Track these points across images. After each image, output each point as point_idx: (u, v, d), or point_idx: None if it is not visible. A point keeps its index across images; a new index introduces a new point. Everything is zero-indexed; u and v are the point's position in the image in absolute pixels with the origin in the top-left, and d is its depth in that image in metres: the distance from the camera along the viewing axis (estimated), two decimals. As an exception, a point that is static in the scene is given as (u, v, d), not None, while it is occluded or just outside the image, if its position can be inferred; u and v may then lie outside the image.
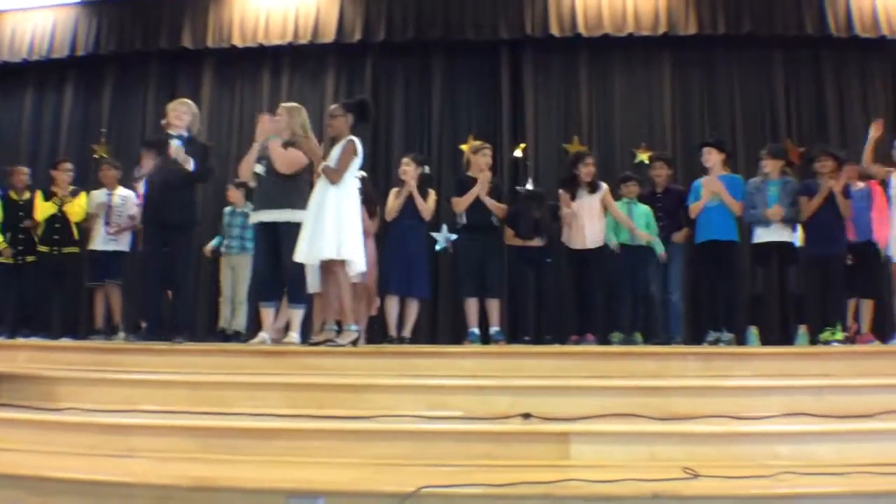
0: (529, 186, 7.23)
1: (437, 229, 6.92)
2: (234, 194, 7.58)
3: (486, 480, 3.20)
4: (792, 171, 6.80)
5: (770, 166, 6.35)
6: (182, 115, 6.06)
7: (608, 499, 3.13)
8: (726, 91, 9.29)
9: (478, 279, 6.48)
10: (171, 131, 6.04)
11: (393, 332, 6.47)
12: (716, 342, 5.99)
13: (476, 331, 6.45)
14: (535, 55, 9.19)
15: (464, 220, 6.66)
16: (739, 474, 3.33)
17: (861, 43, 9.17)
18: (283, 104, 6.05)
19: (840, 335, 5.90)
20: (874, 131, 6.28)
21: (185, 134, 6.05)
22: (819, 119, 9.35)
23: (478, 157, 6.72)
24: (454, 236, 6.83)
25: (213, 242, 7.77)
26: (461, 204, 6.59)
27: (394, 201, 6.51)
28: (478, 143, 7.17)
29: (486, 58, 9.22)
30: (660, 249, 6.62)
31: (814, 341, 5.93)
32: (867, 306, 6.42)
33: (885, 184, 6.28)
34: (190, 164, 5.88)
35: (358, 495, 3.18)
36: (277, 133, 5.69)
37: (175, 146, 5.85)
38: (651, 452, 3.65)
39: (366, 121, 5.67)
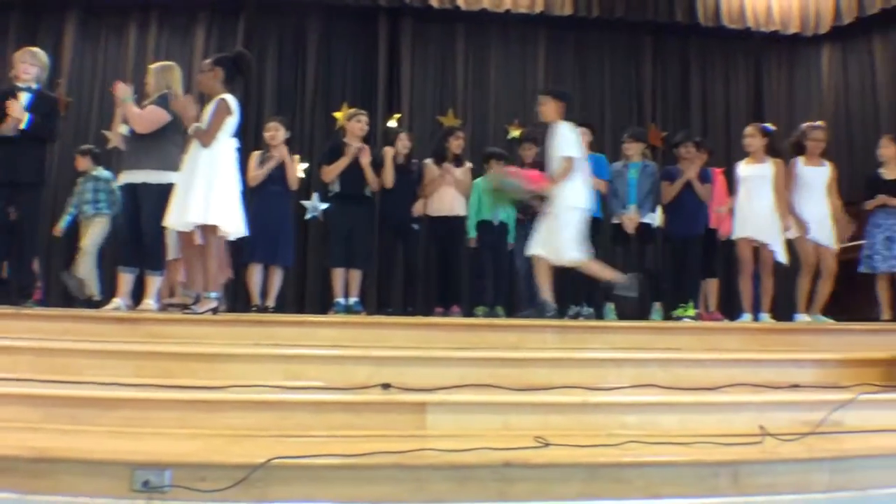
0: None
1: (306, 197, 6.79)
2: (82, 161, 7.29)
3: (342, 451, 3.18)
4: (653, 154, 7.04)
5: (631, 149, 6.57)
6: (29, 66, 5.62)
7: (460, 467, 3.17)
8: (597, 73, 9.56)
9: (347, 249, 6.40)
10: (19, 83, 5.61)
11: (256, 301, 6.32)
12: (576, 316, 6.15)
13: (342, 301, 6.38)
14: (414, 24, 9.15)
15: (337, 188, 6.55)
16: (588, 443, 3.44)
17: (727, 34, 9.61)
18: (150, 66, 5.80)
19: (692, 312, 6.20)
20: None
21: (35, 86, 5.64)
22: (683, 106, 9.77)
23: (352, 123, 6.61)
24: (325, 205, 6.71)
25: (63, 222, 7.36)
26: (331, 173, 6.47)
27: (257, 167, 6.32)
28: (352, 109, 7.06)
29: (364, 24, 9.11)
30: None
31: (668, 317, 6.19)
32: (712, 286, 6.76)
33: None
34: (24, 120, 5.45)
35: (206, 467, 3.07)
36: (129, 96, 5.40)
37: (12, 102, 5.43)
38: (505, 422, 3.71)
39: (242, 76, 5.44)
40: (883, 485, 3.51)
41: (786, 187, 6.23)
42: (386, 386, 3.96)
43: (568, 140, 5.44)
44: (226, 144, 5.16)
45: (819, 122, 6.74)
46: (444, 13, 8.98)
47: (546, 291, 5.49)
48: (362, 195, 6.51)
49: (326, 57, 9.09)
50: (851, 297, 6.65)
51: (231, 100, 5.14)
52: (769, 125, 6.56)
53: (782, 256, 6.12)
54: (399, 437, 3.50)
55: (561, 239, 5.37)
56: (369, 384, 4.00)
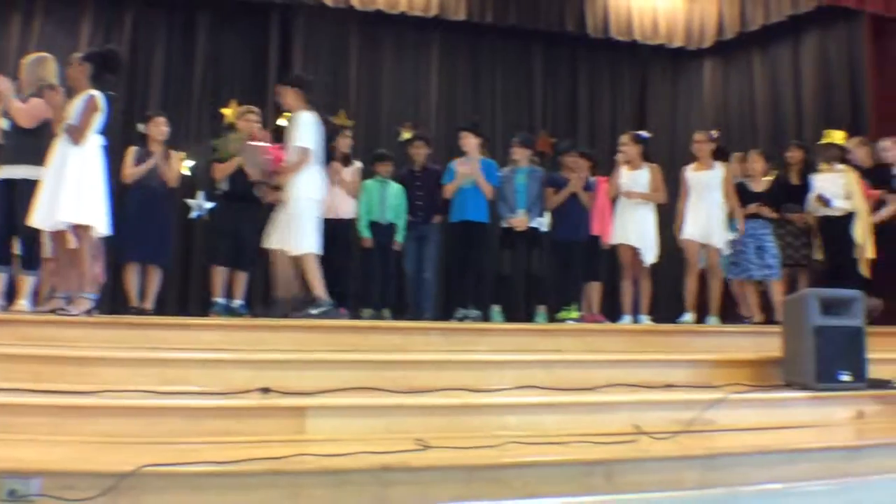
0: None
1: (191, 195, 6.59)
2: None
3: (218, 457, 3.11)
4: (542, 160, 7.17)
5: (519, 154, 6.66)
6: None
7: (338, 472, 3.14)
8: (489, 78, 9.68)
9: (232, 249, 6.23)
10: None
11: (134, 302, 6.09)
12: (463, 319, 6.19)
13: (222, 301, 6.20)
14: (307, 23, 9.00)
15: (225, 186, 6.37)
16: (469, 445, 3.45)
17: (615, 45, 9.90)
18: (25, 59, 5.55)
19: (576, 314, 6.33)
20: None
21: None
22: (571, 113, 10.00)
23: (241, 122, 6.46)
24: (210, 204, 6.53)
25: None
26: (223, 171, 6.30)
27: (134, 163, 6.09)
28: (243, 107, 6.87)
29: (256, 20, 8.91)
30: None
31: (552, 320, 6.31)
32: (595, 289, 6.94)
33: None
34: None
35: (75, 475, 2.94)
36: (11, 90, 5.17)
37: None
38: (387, 425, 3.70)
39: (111, 73, 5.25)
40: (752, 482, 3.66)
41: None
42: (265, 390, 3.89)
43: (306, 130, 5.40)
44: (93, 141, 5.02)
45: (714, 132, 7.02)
46: (337, 12, 8.88)
47: (317, 287, 5.36)
48: (250, 195, 6.35)
49: (216, 52, 8.85)
50: (723, 301, 6.92)
51: (99, 96, 4.99)
52: (644, 132, 6.79)
53: (650, 259, 6.38)
54: (277, 442, 3.45)
55: (292, 230, 5.32)
56: (249, 389, 3.92)
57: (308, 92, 5.60)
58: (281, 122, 8.09)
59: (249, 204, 6.32)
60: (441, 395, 4.01)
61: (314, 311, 5.27)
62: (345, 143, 6.78)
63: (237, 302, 6.29)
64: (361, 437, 3.54)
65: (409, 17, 8.98)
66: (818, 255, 6.92)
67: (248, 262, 6.32)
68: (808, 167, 7.17)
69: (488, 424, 3.82)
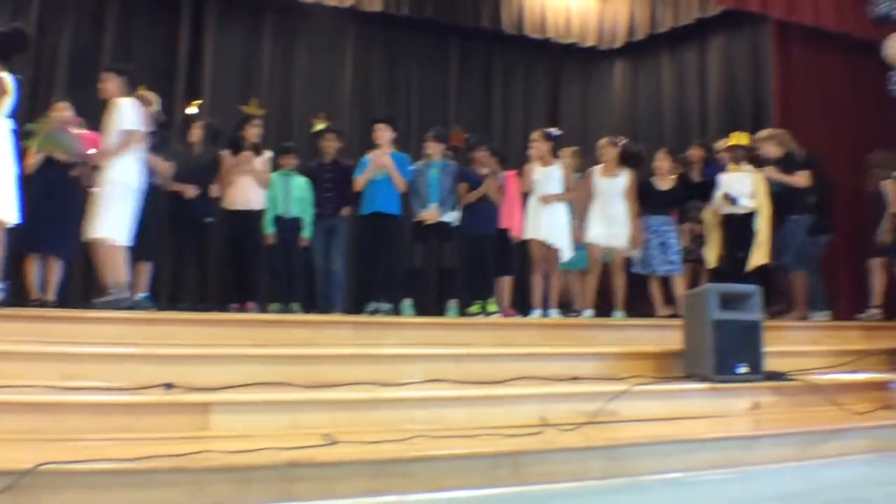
0: None
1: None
2: None
3: (120, 455, 3.04)
4: (456, 155, 7.18)
5: (432, 148, 6.67)
6: None
7: (244, 469, 3.10)
8: (405, 72, 9.67)
9: (135, 240, 6.02)
10: None
11: (36, 294, 5.85)
12: (374, 312, 6.16)
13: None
14: (220, 9, 8.79)
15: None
16: (376, 439, 3.46)
17: (529, 42, 10.02)
18: None
19: (494, 307, 6.38)
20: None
21: None
22: (486, 109, 10.08)
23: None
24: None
25: None
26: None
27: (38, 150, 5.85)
28: (140, 92, 6.63)
29: (167, 4, 8.64)
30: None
31: (464, 313, 6.35)
32: (506, 283, 7.03)
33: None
34: None
35: (-32, 474, 2.82)
36: None
37: None
38: (294, 421, 3.67)
39: (18, 52, 5.02)
40: (654, 471, 3.79)
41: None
42: (168, 386, 3.81)
43: (129, 116, 5.33)
44: (1, 126, 4.77)
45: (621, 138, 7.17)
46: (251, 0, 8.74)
47: (118, 276, 5.24)
48: (151, 184, 6.15)
49: (125, 37, 8.52)
50: (629, 295, 7.10)
51: (8, 78, 4.75)
52: (555, 130, 6.90)
53: (567, 256, 6.49)
54: (181, 439, 3.39)
55: (96, 212, 5.22)
56: (152, 384, 3.84)
57: (131, 80, 5.50)
58: (191, 110, 7.90)
59: (150, 193, 6.10)
60: (350, 390, 4.00)
61: (101, 300, 5.16)
62: (253, 133, 6.64)
63: (142, 294, 6.10)
64: (268, 433, 3.51)
65: (325, 7, 8.87)
66: (711, 253, 7.18)
67: (151, 253, 6.11)
68: (709, 165, 7.46)
69: (397, 418, 3.83)
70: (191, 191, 6.29)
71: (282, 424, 3.63)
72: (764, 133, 7.31)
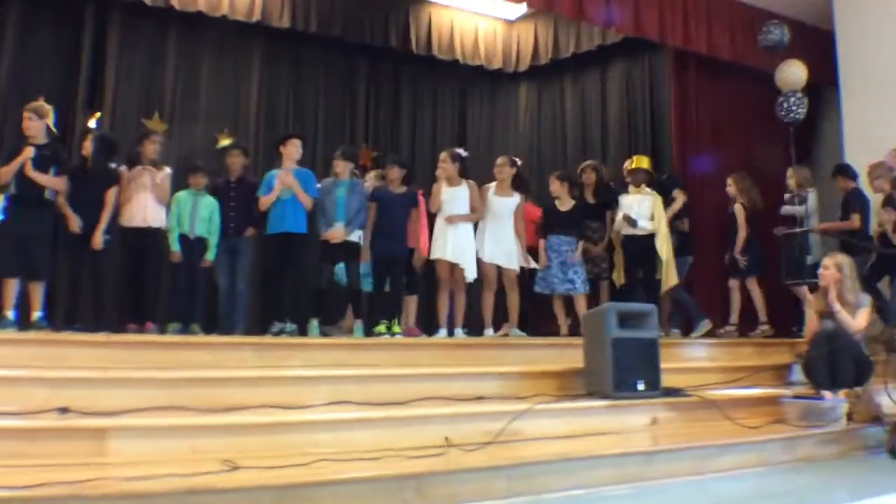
0: None
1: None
2: None
3: (12, 482, 2.92)
4: (362, 174, 7.18)
5: (340, 167, 6.62)
6: None
7: (141, 496, 3.01)
8: (313, 89, 9.60)
9: (23, 258, 5.75)
10: None
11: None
12: (279, 333, 6.07)
13: (13, 315, 5.70)
14: (124, 19, 8.51)
15: (13, 189, 5.87)
16: (280, 464, 3.41)
17: (437, 64, 10.12)
18: None
19: (398, 329, 6.36)
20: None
21: None
22: (394, 128, 10.11)
23: (25, 120, 5.98)
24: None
25: None
26: (6, 174, 5.80)
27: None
28: (34, 104, 6.35)
29: (69, 14, 8.32)
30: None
31: (370, 333, 6.31)
32: (412, 303, 7.06)
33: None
34: None
35: None
36: None
37: None
38: (193, 446, 3.58)
39: None
40: (557, 488, 3.84)
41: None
42: (63, 410, 3.67)
43: None
44: None
45: (517, 157, 7.30)
46: (156, 11, 8.50)
47: None
48: (41, 199, 5.90)
49: (24, 46, 8.16)
50: (534, 315, 7.24)
51: None
52: (462, 151, 6.98)
53: (471, 276, 6.56)
54: (76, 465, 3.28)
55: None
56: (46, 408, 3.69)
57: None
58: (91, 123, 7.65)
59: (39, 208, 5.88)
60: (251, 414, 3.93)
61: None
62: (151, 150, 6.45)
63: (37, 314, 5.82)
64: (167, 459, 3.41)
65: (231, 21, 8.73)
66: (617, 273, 7.44)
67: (41, 271, 5.84)
68: (602, 187, 7.71)
69: (300, 442, 3.77)
70: (74, 224, 6.07)
71: (181, 450, 3.53)
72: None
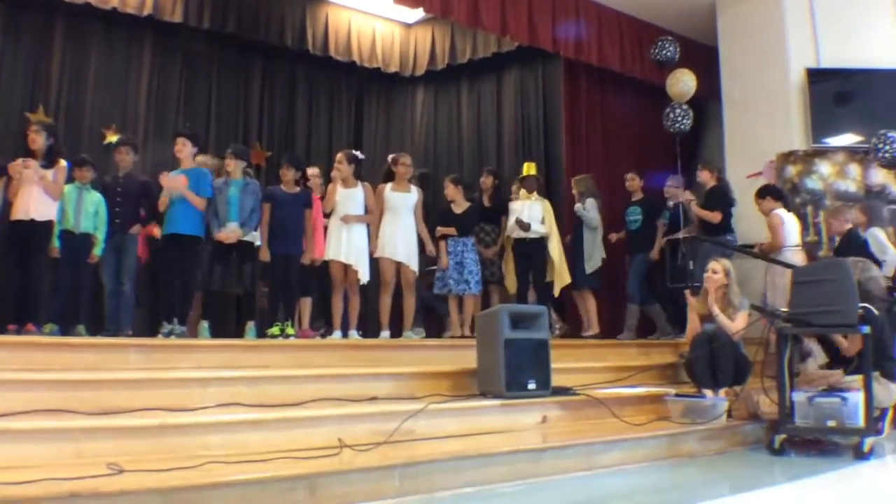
0: None
1: None
2: None
3: None
4: (257, 173, 7.08)
5: (232, 166, 6.50)
6: None
7: (21, 501, 2.88)
8: (205, 85, 9.41)
9: None
10: None
11: None
12: (169, 334, 5.91)
13: None
14: (8, 10, 8.09)
15: None
16: (168, 467, 3.33)
17: (334, 65, 10.09)
18: None
19: (292, 330, 6.29)
20: None
21: None
22: (289, 127, 10.01)
23: None
24: None
25: None
26: None
27: None
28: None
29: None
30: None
31: (263, 335, 6.23)
32: (306, 304, 7.04)
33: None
34: None
35: None
36: None
37: None
38: (77, 450, 3.46)
39: None
40: (449, 486, 3.88)
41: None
42: (-65, 415, 3.48)
43: None
44: None
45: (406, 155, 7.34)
46: (42, 2, 8.16)
47: None
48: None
49: None
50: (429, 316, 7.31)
51: None
52: (358, 153, 6.99)
53: (365, 278, 6.57)
54: (-49, 472, 3.11)
55: None
56: (-84, 414, 3.50)
57: None
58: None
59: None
60: (138, 416, 3.83)
61: None
62: (32, 140, 6.13)
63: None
64: (49, 463, 3.29)
65: (121, 14, 8.46)
66: (509, 276, 7.62)
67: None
68: (498, 192, 7.89)
69: (189, 445, 3.69)
70: None
71: (64, 454, 3.41)
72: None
